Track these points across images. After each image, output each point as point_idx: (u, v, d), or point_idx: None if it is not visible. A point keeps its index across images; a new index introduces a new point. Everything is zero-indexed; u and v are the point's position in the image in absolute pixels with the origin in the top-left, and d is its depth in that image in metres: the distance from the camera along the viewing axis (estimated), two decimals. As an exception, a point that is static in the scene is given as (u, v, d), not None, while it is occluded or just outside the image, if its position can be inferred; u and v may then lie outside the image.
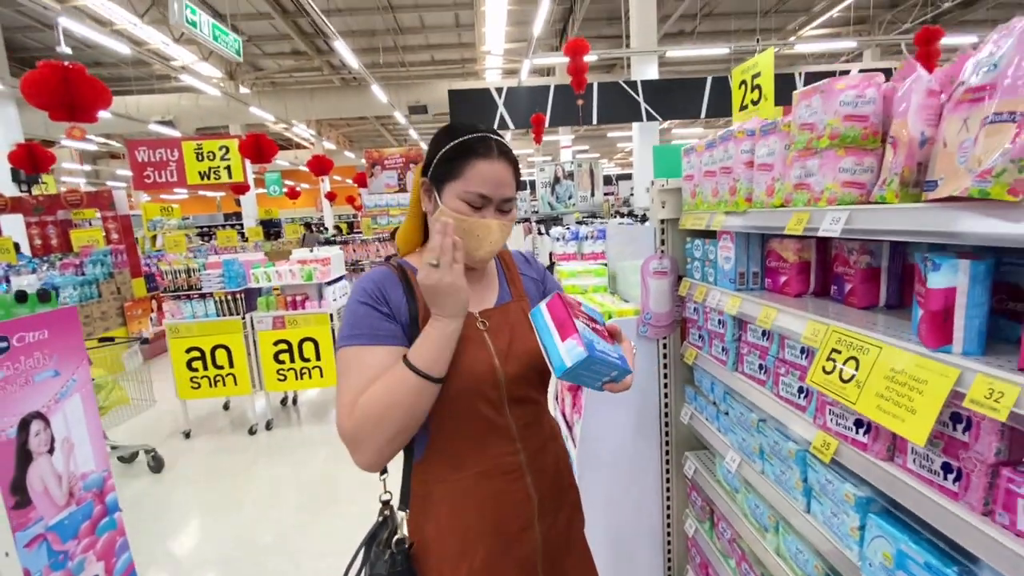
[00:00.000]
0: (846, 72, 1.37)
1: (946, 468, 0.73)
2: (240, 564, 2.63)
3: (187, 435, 4.11)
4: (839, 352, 0.88)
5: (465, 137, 0.90)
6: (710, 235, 1.43)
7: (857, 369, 0.83)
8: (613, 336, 0.90)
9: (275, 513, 3.03)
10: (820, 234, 0.91)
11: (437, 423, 0.91)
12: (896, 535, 0.80)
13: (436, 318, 0.85)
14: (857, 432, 0.89)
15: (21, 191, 7.98)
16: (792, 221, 1.00)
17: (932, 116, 0.76)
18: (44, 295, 2.06)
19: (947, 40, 7.23)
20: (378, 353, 0.87)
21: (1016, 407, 0.61)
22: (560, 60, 9.28)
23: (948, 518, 0.71)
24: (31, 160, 6.62)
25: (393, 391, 0.82)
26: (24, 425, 1.79)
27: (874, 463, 0.85)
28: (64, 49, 6.84)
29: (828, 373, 0.89)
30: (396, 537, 0.97)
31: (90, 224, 7.30)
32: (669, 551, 1.78)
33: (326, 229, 12.03)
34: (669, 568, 1.79)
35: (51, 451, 1.89)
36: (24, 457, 1.78)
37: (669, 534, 1.77)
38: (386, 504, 1.01)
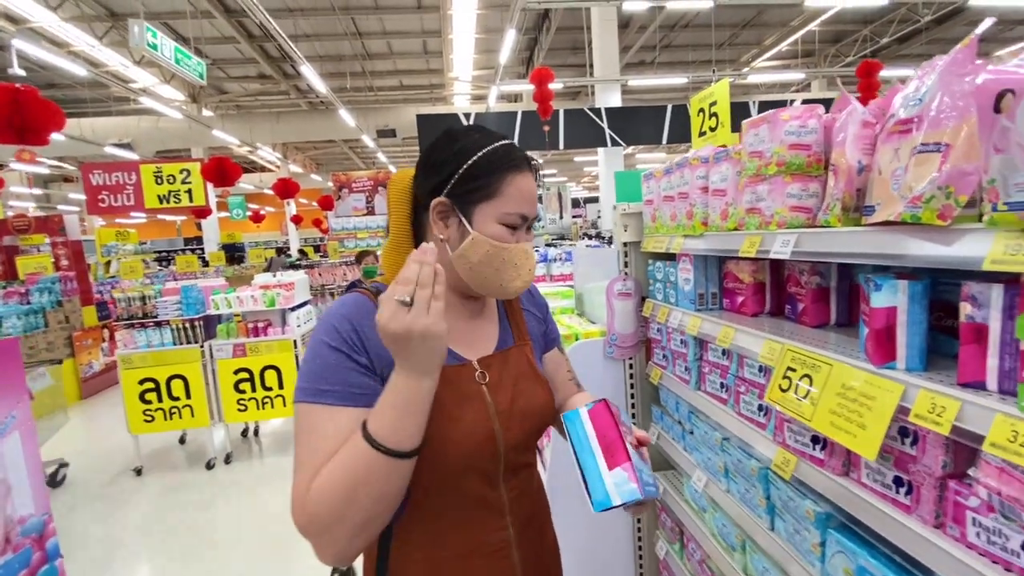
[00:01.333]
0: (793, 102, 1.44)
1: (897, 482, 0.76)
2: (194, 610, 2.47)
3: (138, 472, 3.89)
4: (794, 370, 0.91)
5: (494, 146, 0.77)
6: (670, 257, 1.47)
7: (811, 386, 0.86)
8: (642, 443, 0.77)
9: (235, 554, 2.87)
10: (772, 256, 0.95)
11: (415, 499, 0.75)
12: (855, 550, 0.82)
13: (404, 372, 0.65)
14: (814, 448, 0.91)
15: (-38, 216, 7.55)
16: (745, 244, 1.03)
17: (868, 145, 0.80)
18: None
19: (886, 72, 7.75)
20: (346, 417, 0.69)
21: (958, 421, 0.63)
22: (527, 87, 9.50)
23: (902, 532, 0.73)
24: (-26, 184, 6.30)
25: (352, 471, 0.64)
26: (-47, 468, 1.66)
27: (831, 479, 0.87)
28: (17, 71, 6.60)
29: (784, 391, 0.91)
30: None
31: (38, 250, 6.95)
32: (641, 574, 1.77)
33: (290, 254, 11.79)
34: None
35: (-16, 495, 1.75)
36: (-48, 503, 1.64)
37: (641, 557, 1.76)
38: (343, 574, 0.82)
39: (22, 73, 6.54)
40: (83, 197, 7.39)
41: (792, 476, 0.95)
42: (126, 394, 3.84)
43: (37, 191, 15.54)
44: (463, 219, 0.77)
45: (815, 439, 0.91)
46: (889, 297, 0.74)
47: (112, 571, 2.78)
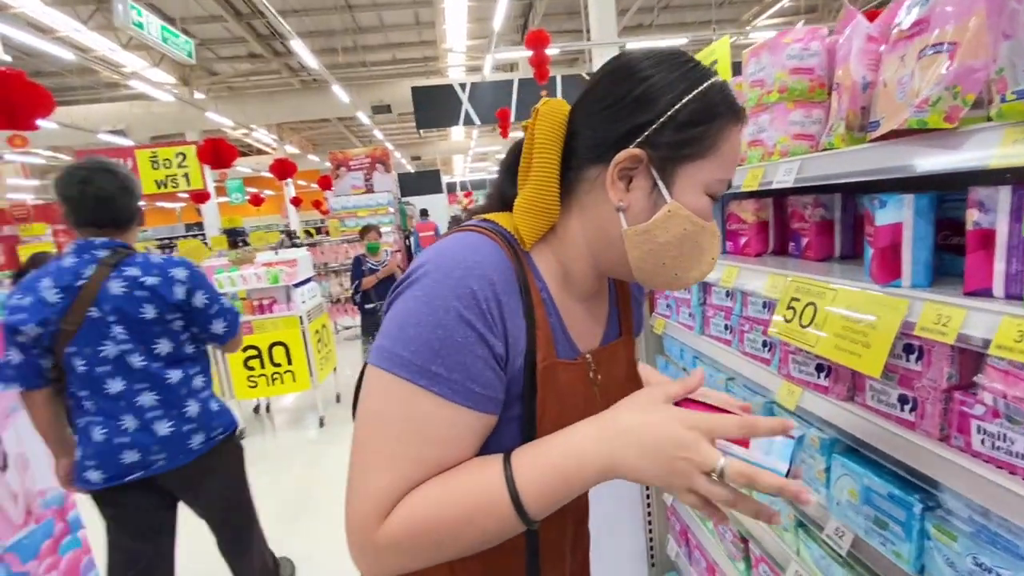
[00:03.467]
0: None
1: (902, 400, 0.76)
2: None
3: (155, 450, 3.97)
4: (798, 300, 0.90)
5: (712, 81, 0.57)
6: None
7: (815, 314, 0.85)
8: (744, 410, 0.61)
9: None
10: (774, 186, 0.93)
11: None
12: (859, 471, 0.83)
13: (602, 448, 0.52)
14: (819, 376, 0.91)
15: (-38, 209, 7.55)
16: (748, 178, 1.02)
17: (872, 61, 0.78)
18: (-16, 306, 1.95)
19: (891, 24, 7.51)
20: (463, 420, 0.55)
21: (964, 329, 0.63)
22: (523, 55, 9.29)
23: (907, 447, 0.74)
24: (-29, 175, 6.28)
25: (469, 517, 0.53)
26: (-28, 442, 1.70)
27: (836, 404, 0.87)
28: (2, 56, 6.50)
29: (788, 322, 0.91)
30: None
31: (40, 240, 6.96)
32: (650, 521, 1.80)
33: (293, 235, 11.78)
34: (651, 539, 1.81)
35: (3, 468, 1.79)
36: (-26, 476, 1.68)
37: (649, 505, 1.79)
38: None
39: (8, 59, 6.43)
40: (81, 185, 7.36)
41: (797, 406, 0.95)
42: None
43: (35, 182, 15.49)
44: (660, 182, 0.57)
45: (819, 367, 0.91)
46: (894, 213, 0.73)
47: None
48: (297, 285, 4.15)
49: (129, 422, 1.55)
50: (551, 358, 0.61)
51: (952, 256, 0.80)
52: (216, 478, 1.76)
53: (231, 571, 2.04)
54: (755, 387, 1.13)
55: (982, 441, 0.65)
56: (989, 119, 0.58)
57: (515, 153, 0.66)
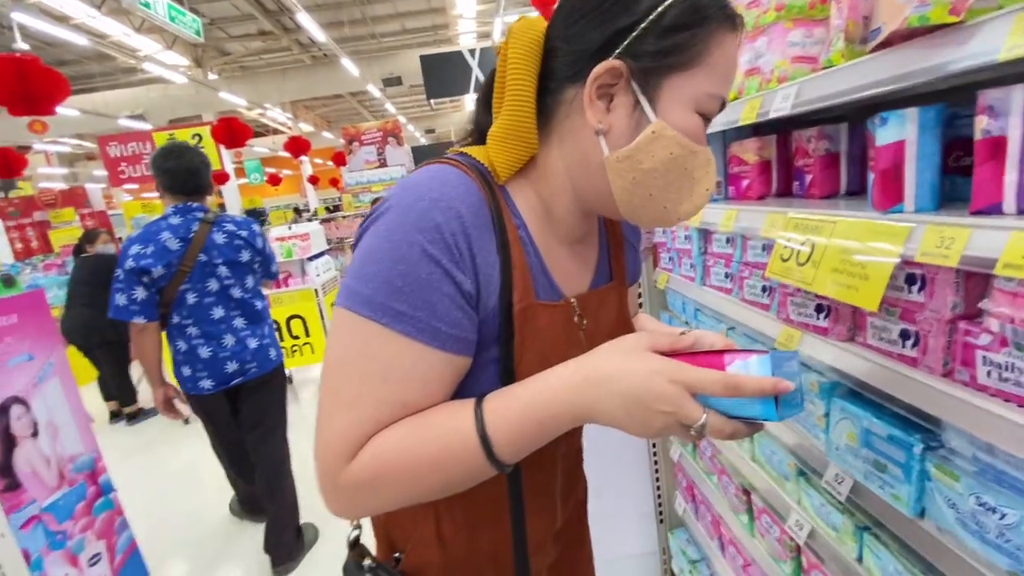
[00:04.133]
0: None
1: (904, 335, 0.71)
2: (247, 538, 2.66)
3: (187, 421, 4.12)
4: (795, 237, 0.84)
5: None
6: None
7: (812, 251, 0.80)
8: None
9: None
10: (771, 115, 0.86)
11: None
12: (859, 414, 0.78)
13: (580, 406, 0.50)
14: (819, 318, 0.86)
15: (-4, 197, 7.83)
16: (745, 110, 0.95)
17: (876, -37, 0.70)
18: (8, 280, 2.03)
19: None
20: (431, 360, 0.52)
21: (968, 250, 0.57)
22: (532, 15, 8.98)
23: (909, 385, 0.69)
24: (4, 165, 6.47)
25: (438, 460, 0.51)
26: (3, 410, 1.77)
27: (836, 346, 0.82)
28: (21, 45, 6.59)
29: (785, 260, 0.86)
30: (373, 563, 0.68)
31: (69, 224, 7.18)
32: (657, 479, 1.79)
33: (302, 211, 11.89)
34: (659, 496, 1.80)
35: (35, 434, 1.87)
36: (8, 441, 1.76)
37: (656, 462, 1.77)
38: (356, 544, 0.69)
39: (27, 48, 6.53)
40: (106, 173, 7.52)
41: (795, 350, 0.90)
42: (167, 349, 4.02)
43: (63, 170, 15.93)
44: (642, 98, 0.51)
45: (819, 308, 0.85)
46: (896, 130, 0.67)
47: (163, 504, 3.01)
48: (311, 259, 4.19)
49: (228, 340, 2.05)
50: (529, 299, 0.57)
51: (963, 179, 0.73)
52: (272, 392, 2.26)
53: (266, 505, 2.36)
54: (755, 335, 1.09)
55: (988, 373, 0.59)
56: (1000, 7, 0.51)
57: (491, 82, 0.61)
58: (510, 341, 0.56)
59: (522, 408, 0.51)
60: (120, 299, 1.96)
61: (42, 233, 6.78)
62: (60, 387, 2.02)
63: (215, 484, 3.17)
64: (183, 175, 2.00)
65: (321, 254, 4.43)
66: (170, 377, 2.14)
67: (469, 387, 0.57)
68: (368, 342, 0.51)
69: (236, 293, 2.07)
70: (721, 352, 0.51)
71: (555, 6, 0.57)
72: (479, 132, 0.63)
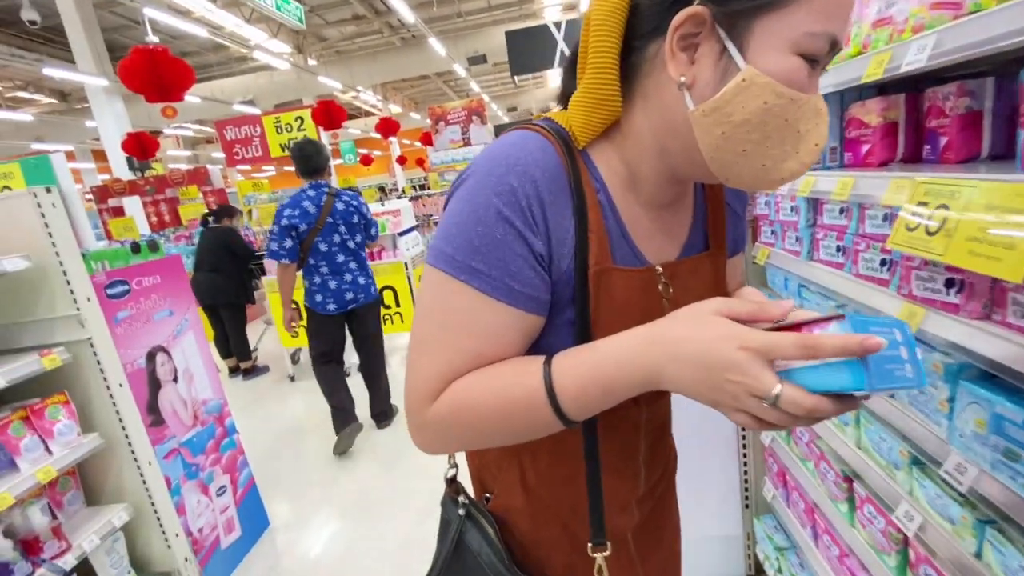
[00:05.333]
0: None
1: (1056, 312, 0.63)
2: (344, 480, 2.92)
3: (292, 379, 4.56)
4: (926, 204, 0.77)
5: None
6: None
7: (946, 219, 0.73)
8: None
9: (376, 442, 3.32)
10: (903, 70, 0.79)
11: None
12: (991, 398, 0.72)
13: (645, 358, 0.49)
14: (948, 293, 0.78)
15: (136, 176, 8.95)
16: (871, 65, 0.87)
17: None
18: (153, 245, 2.32)
19: None
20: (502, 316, 0.55)
21: None
22: (622, -16, 8.60)
23: (1057, 367, 0.62)
24: (140, 147, 7.37)
25: (509, 411, 0.54)
26: (151, 356, 2.07)
27: (967, 324, 0.75)
28: (152, 38, 7.43)
29: (912, 230, 0.79)
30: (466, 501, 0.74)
31: (194, 201, 8.06)
32: (745, 463, 1.73)
33: (396, 191, 12.44)
34: (746, 480, 1.75)
35: (175, 379, 2.17)
36: (154, 383, 2.06)
37: (744, 446, 1.72)
38: (452, 481, 0.76)
39: (156, 40, 7.35)
40: (223, 155, 8.34)
41: (918, 329, 0.83)
42: (275, 315, 4.45)
43: (187, 152, 17.81)
44: (729, 43, 0.47)
45: (949, 283, 0.78)
46: (1063, 79, 0.59)
47: (275, 449, 3.37)
48: (401, 234, 4.41)
49: (347, 276, 3.00)
50: (605, 263, 0.57)
51: None
52: (375, 314, 3.23)
53: (369, 390, 3.41)
54: (871, 313, 1.01)
55: None
56: None
57: (575, 47, 0.60)
58: (585, 303, 0.57)
59: (589, 367, 0.52)
60: (274, 246, 2.83)
61: (172, 208, 7.69)
62: (195, 340, 2.32)
63: (317, 432, 3.51)
64: (309, 161, 2.92)
65: (410, 230, 4.64)
66: (300, 304, 3.21)
67: (546, 347, 0.59)
68: (449, 296, 0.55)
69: (351, 244, 2.99)
70: (798, 325, 0.46)
71: None
72: (565, 97, 0.62)
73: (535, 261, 0.54)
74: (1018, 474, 0.67)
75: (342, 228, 2.92)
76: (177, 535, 2.00)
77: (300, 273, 2.97)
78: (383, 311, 4.33)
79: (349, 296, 3.00)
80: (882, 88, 1.07)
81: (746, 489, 1.76)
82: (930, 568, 0.90)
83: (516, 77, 8.07)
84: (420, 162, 17.41)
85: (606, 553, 0.66)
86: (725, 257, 0.70)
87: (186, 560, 2.02)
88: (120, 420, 1.83)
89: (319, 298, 2.97)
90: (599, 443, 0.65)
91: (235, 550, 2.37)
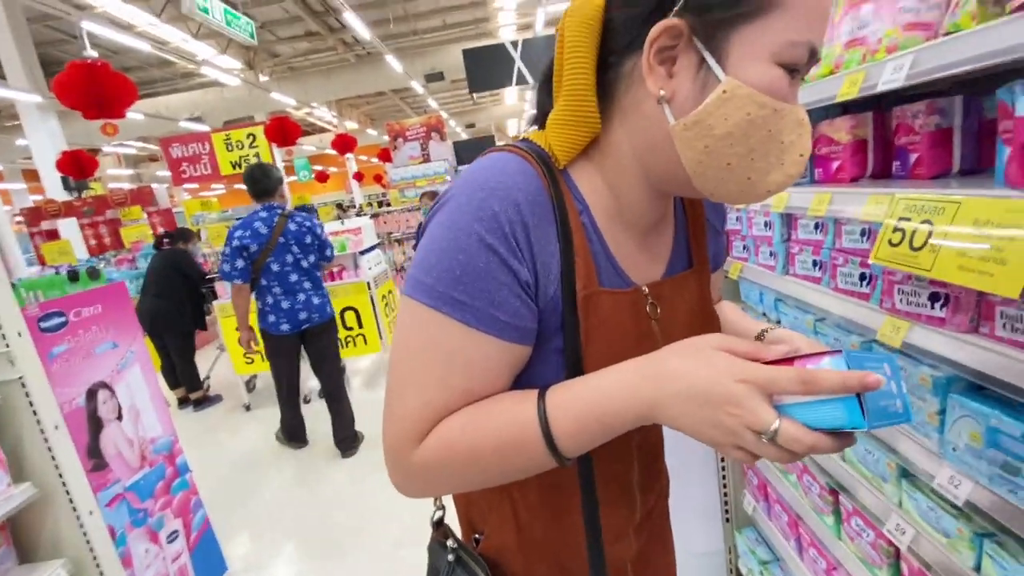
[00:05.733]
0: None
1: (1045, 325, 0.64)
2: (307, 514, 2.76)
3: (247, 408, 4.32)
4: (908, 220, 0.78)
5: None
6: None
7: (930, 234, 0.74)
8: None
9: (336, 471, 3.16)
10: (879, 89, 0.80)
11: None
12: (984, 411, 0.72)
13: (641, 394, 0.48)
14: (933, 307, 0.79)
15: (72, 197, 8.40)
16: (845, 85, 0.88)
17: (1016, -87, 0.63)
18: (94, 273, 2.15)
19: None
20: (490, 349, 0.52)
21: None
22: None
23: (1050, 380, 0.62)
24: (77, 166, 6.92)
25: (501, 450, 0.51)
26: (91, 394, 1.89)
27: (955, 337, 0.76)
28: (90, 53, 7.04)
29: (895, 245, 0.80)
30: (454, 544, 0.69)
31: (137, 222, 7.63)
32: (724, 476, 1.73)
33: (355, 207, 12.20)
34: (725, 493, 1.74)
35: (120, 418, 2.00)
36: (95, 424, 1.88)
37: (723, 459, 1.72)
38: (439, 524, 0.71)
39: (95, 55, 6.97)
40: (168, 174, 7.95)
41: (903, 343, 0.84)
42: (227, 341, 4.22)
43: (129, 171, 16.94)
44: (707, 55, 0.46)
45: (934, 297, 0.79)
46: (1043, 98, 0.60)
47: (231, 484, 3.16)
48: (363, 253, 4.29)
49: (300, 296, 3.02)
50: (592, 286, 0.55)
51: (1119, 151, 0.65)
52: (329, 334, 3.21)
53: (332, 415, 3.29)
54: (850, 326, 1.02)
55: None
56: None
57: (548, 66, 0.58)
58: (575, 330, 0.55)
59: (584, 404, 0.50)
60: (226, 267, 2.89)
61: (114, 230, 7.24)
62: (141, 373, 2.15)
63: (276, 464, 3.31)
64: (258, 184, 2.99)
65: (372, 248, 4.53)
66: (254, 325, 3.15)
67: (533, 377, 0.56)
68: (431, 330, 0.52)
69: (304, 264, 3.02)
70: (792, 359, 0.47)
71: None
72: (542, 117, 0.60)
73: (520, 289, 0.52)
74: (1018, 487, 0.67)
75: (295, 248, 2.97)
76: (123, 591, 1.81)
77: (253, 295, 3.01)
78: (345, 333, 4.18)
79: (303, 316, 3.03)
80: (845, 107, 1.10)
81: (726, 503, 1.76)
82: (925, 581, 0.90)
83: (475, 95, 8.12)
84: (378, 178, 17.19)
85: None
86: (709, 273, 0.69)
87: (133, 618, 1.84)
88: (56, 467, 1.65)
89: (272, 318, 3.00)
90: (595, 472, 0.62)
91: (189, 601, 2.18)
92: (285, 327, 3.00)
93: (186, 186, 11.92)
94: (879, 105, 1.03)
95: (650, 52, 0.48)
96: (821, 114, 1.14)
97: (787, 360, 0.47)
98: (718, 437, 0.45)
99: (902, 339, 0.85)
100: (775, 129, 0.47)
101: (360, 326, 4.17)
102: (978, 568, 0.78)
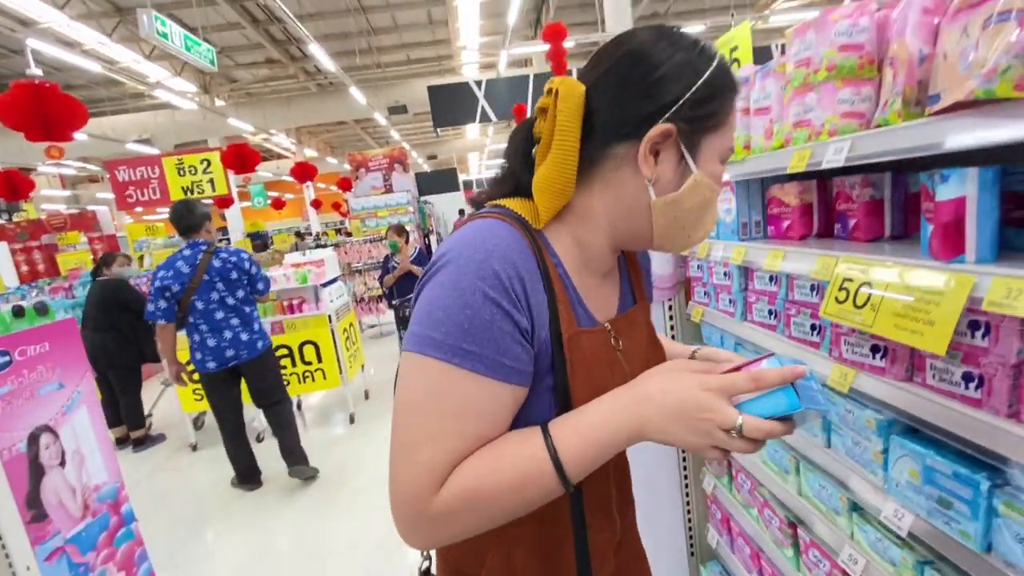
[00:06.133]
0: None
1: (967, 378, 0.75)
2: (264, 567, 2.61)
3: (194, 447, 4.08)
4: (851, 280, 0.89)
5: (718, 58, 0.62)
6: (709, 190, 1.44)
7: (870, 295, 0.84)
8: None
9: (291, 512, 3.02)
10: (824, 166, 0.92)
11: None
12: (921, 451, 0.82)
13: (634, 425, 0.57)
14: (874, 358, 0.90)
15: (1, 220, 7.84)
16: (794, 159, 1.01)
17: (929, 34, 0.77)
18: (42, 308, 2.04)
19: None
20: (499, 393, 0.58)
21: (1035, 302, 0.62)
22: (537, 49, 9.26)
23: (974, 425, 0.72)
24: (10, 187, 6.50)
25: (520, 484, 0.56)
26: (33, 439, 1.77)
27: (893, 385, 0.86)
28: (35, 71, 6.72)
29: (841, 302, 0.90)
30: None
31: (75, 248, 7.19)
32: (689, 511, 1.80)
33: (312, 235, 11.95)
34: (690, 528, 1.81)
35: (62, 464, 1.87)
36: (36, 471, 1.76)
37: (688, 494, 1.79)
38: (427, 574, 0.78)
39: (39, 73, 6.66)
40: (111, 196, 7.58)
41: (851, 388, 0.94)
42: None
43: (66, 192, 15.97)
44: (687, 155, 0.62)
45: (875, 348, 0.90)
46: (957, 188, 0.72)
47: (177, 531, 2.96)
48: (324, 285, 4.22)
49: (227, 333, 3.00)
50: (573, 328, 0.64)
51: (1017, 230, 0.78)
52: (265, 368, 3.19)
53: (280, 442, 3.27)
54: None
55: (1057, 416, 0.63)
56: (1062, 86, 0.57)
57: (524, 138, 0.69)
58: (563, 367, 0.63)
59: (585, 432, 0.58)
60: (151, 307, 2.90)
61: (49, 256, 6.79)
62: (88, 415, 2.03)
63: (225, 508, 3.13)
64: (181, 221, 2.95)
65: (334, 280, 4.46)
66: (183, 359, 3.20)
67: (526, 415, 0.63)
68: (442, 381, 0.57)
69: (230, 301, 3.00)
70: (738, 367, 0.60)
71: (592, 73, 0.64)
72: (514, 185, 0.70)
73: (521, 336, 0.59)
74: (952, 520, 0.77)
75: (220, 285, 2.95)
76: (58, 656, 1.66)
77: (184, 331, 3.03)
78: (303, 368, 4.06)
79: (229, 353, 3.02)
80: (792, 175, 1.24)
81: (691, 537, 1.82)
82: (875, 608, 0.98)
83: (439, 129, 8.27)
84: (336, 206, 16.96)
85: None
86: (649, 307, 0.83)
87: None
88: (-9, 520, 1.53)
89: (198, 356, 3.01)
90: (584, 500, 0.69)
91: (129, 663, 2.01)
92: (211, 365, 2.99)
93: (135, 210, 11.38)
94: (820, 174, 1.17)
95: (647, 145, 0.61)
96: (772, 179, 1.27)
97: (735, 369, 0.59)
98: (696, 441, 0.55)
99: (850, 384, 0.95)
100: (711, 203, 0.66)
101: (319, 360, 4.06)
102: (921, 594, 0.87)
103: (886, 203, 1.01)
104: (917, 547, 0.89)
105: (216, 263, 2.94)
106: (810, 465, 1.15)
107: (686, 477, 1.79)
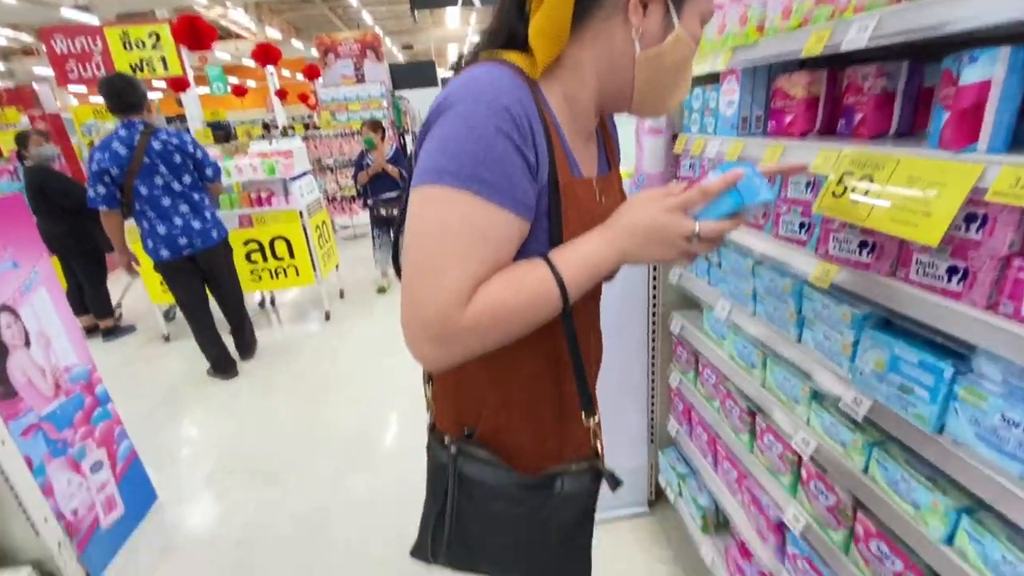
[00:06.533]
0: None
1: (951, 271, 0.75)
2: (243, 449, 2.73)
3: (167, 338, 4.07)
4: (851, 174, 0.86)
5: None
6: (713, 79, 1.35)
7: (869, 188, 0.82)
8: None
9: (267, 401, 3.10)
10: (843, 48, 0.85)
11: None
12: (890, 341, 0.85)
13: (616, 251, 0.65)
14: (860, 254, 0.90)
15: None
16: (811, 40, 0.93)
17: None
18: (-19, 182, 1.87)
19: None
20: (510, 223, 0.62)
21: (1041, 191, 0.60)
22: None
23: (948, 315, 0.74)
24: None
25: (532, 302, 0.62)
26: (-8, 318, 1.71)
27: (875, 280, 0.87)
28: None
29: (838, 196, 0.88)
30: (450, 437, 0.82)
31: (16, 127, 6.57)
32: (653, 404, 1.91)
33: (279, 128, 11.18)
34: (652, 418, 1.93)
35: (27, 343, 1.82)
36: (1, 349, 1.71)
37: (653, 388, 1.88)
38: (434, 427, 0.87)
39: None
40: (49, 72, 6.80)
41: (831, 284, 0.95)
42: (144, 268, 3.88)
43: (0, 67, 14.32)
44: (672, 8, 0.65)
45: (863, 244, 0.90)
46: (984, 70, 0.68)
47: (154, 416, 3.03)
48: (294, 179, 4.02)
49: (177, 220, 2.89)
50: (568, 176, 0.68)
51: (1030, 123, 0.75)
52: (223, 259, 3.16)
53: (234, 338, 3.46)
54: (785, 270, 1.13)
55: (1035, 306, 0.65)
56: None
57: None
58: (558, 211, 0.67)
59: (582, 259, 0.65)
60: (90, 192, 2.73)
61: (-15, 134, 6.20)
62: (49, 297, 1.96)
63: (201, 394, 3.20)
64: (121, 96, 2.72)
65: (304, 174, 4.24)
66: (135, 250, 3.18)
67: (524, 250, 0.67)
68: (460, 209, 0.59)
69: (176, 187, 2.86)
70: (691, 184, 0.68)
71: None
72: (510, 36, 0.69)
73: (528, 172, 0.62)
74: (910, 404, 0.81)
75: (163, 169, 2.79)
76: (46, 520, 1.73)
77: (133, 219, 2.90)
78: (275, 264, 3.98)
79: (183, 241, 2.92)
80: (802, 63, 1.16)
81: (652, 426, 1.95)
82: (820, 483, 1.08)
83: (415, 11, 7.53)
84: (303, 97, 15.75)
85: (597, 418, 0.78)
86: (620, 175, 0.89)
87: (60, 545, 1.78)
88: (-42, 394, 1.50)
89: (150, 244, 2.91)
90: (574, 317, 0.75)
91: (118, 529, 2.13)
92: (165, 253, 2.91)
93: (73, 88, 10.35)
94: (835, 62, 1.09)
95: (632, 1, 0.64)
96: (779, 67, 1.19)
97: (689, 186, 0.67)
98: (669, 253, 0.66)
99: (831, 280, 0.96)
100: (688, 63, 0.70)
101: (292, 256, 3.98)
102: (865, 470, 0.95)
103: (897, 96, 0.96)
104: (870, 429, 0.96)
105: (156, 144, 2.74)
106: (776, 359, 1.20)
107: (653, 373, 1.87)
